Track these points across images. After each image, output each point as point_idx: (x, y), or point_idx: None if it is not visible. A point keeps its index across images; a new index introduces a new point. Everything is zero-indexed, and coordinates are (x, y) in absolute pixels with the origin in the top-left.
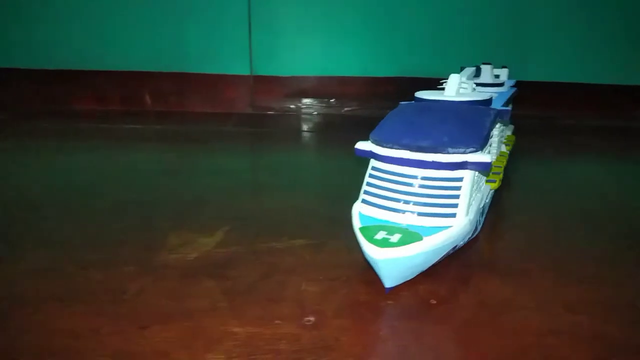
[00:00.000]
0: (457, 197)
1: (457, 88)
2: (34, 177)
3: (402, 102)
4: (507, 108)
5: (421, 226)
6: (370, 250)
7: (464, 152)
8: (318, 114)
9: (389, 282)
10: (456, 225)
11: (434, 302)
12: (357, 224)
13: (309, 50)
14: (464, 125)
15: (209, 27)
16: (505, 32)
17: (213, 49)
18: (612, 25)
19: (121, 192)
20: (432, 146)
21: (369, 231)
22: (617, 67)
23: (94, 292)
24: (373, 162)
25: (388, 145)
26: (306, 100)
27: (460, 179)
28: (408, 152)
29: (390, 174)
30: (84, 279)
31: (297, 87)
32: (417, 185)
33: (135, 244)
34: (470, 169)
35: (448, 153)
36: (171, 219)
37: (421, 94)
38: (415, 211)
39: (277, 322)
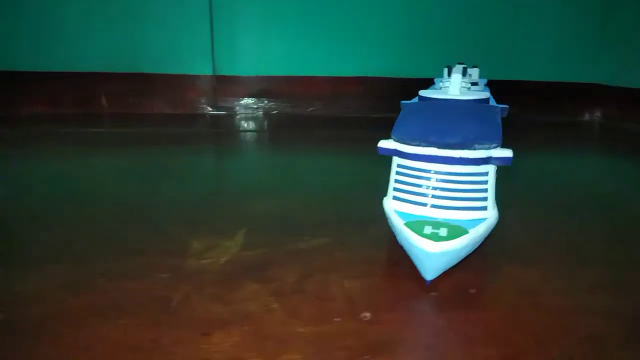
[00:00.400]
0: (485, 190)
1: (460, 87)
2: (10, 187)
3: (403, 101)
4: (505, 105)
5: (458, 220)
6: (425, 244)
7: (488, 148)
8: (283, 114)
9: (431, 274)
10: (489, 217)
11: (473, 291)
12: (398, 220)
13: (274, 50)
14: (482, 122)
15: (168, 25)
16: (467, 32)
17: (173, 48)
18: (567, 27)
19: (115, 198)
20: (459, 143)
21: (416, 226)
22: (567, 66)
23: (137, 302)
24: (398, 160)
25: (415, 143)
26: (271, 100)
27: (486, 174)
28: (436, 149)
29: (422, 171)
30: (119, 291)
31: (262, 87)
32: (449, 181)
33: (156, 251)
34: (494, 164)
35: (475, 149)
36: (182, 224)
37: (426, 93)
38: (451, 206)
39: (336, 319)
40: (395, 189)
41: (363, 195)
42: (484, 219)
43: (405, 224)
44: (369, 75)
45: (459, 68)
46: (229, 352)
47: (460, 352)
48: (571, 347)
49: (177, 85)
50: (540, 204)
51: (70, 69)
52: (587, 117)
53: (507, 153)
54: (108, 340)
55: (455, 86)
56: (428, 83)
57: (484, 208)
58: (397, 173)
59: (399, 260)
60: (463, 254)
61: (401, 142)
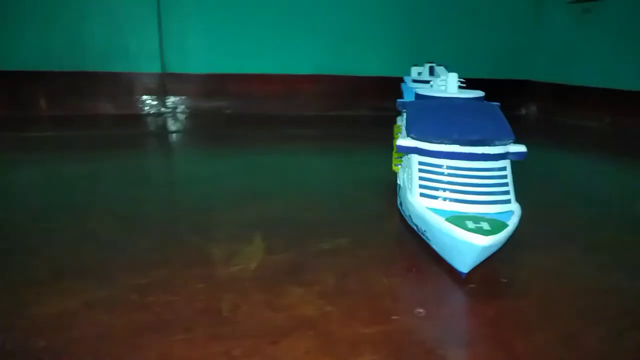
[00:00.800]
0: (507, 184)
1: (457, 85)
2: None
3: (399, 100)
4: (497, 103)
5: (491, 213)
6: (475, 239)
7: (505, 144)
8: (237, 113)
9: (469, 267)
10: (515, 209)
11: (505, 280)
12: (435, 217)
13: (227, 47)
14: (494, 119)
15: (113, 21)
16: (416, 32)
17: (119, 45)
18: (503, 28)
19: (101, 207)
20: (481, 140)
21: (458, 222)
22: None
23: (185, 315)
24: (419, 158)
25: (438, 141)
26: (224, 99)
27: (505, 168)
28: (459, 146)
29: (451, 168)
30: (160, 305)
31: (214, 86)
32: (478, 177)
33: (179, 261)
34: (511, 159)
35: (495, 145)
36: (191, 231)
37: (423, 91)
38: (483, 200)
39: (394, 317)
40: (422, 187)
41: (359, 192)
42: (512, 211)
43: (447, 220)
44: (324, 73)
45: (441, 69)
46: (307, 358)
47: (522, 338)
48: (614, 324)
49: (123, 84)
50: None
51: (4, 68)
52: (523, 111)
53: (522, 148)
54: (174, 357)
55: (452, 85)
56: (381, 81)
57: (509, 201)
58: (421, 171)
59: (425, 255)
60: (500, 246)
61: (422, 140)
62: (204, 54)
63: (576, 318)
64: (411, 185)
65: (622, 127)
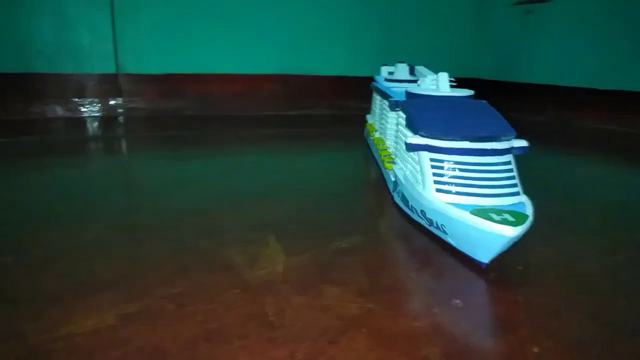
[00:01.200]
0: (514, 177)
1: (448, 84)
2: None
3: (392, 99)
4: (484, 101)
5: (508, 205)
6: (504, 230)
7: (510, 139)
8: (196, 114)
9: (490, 257)
10: (525, 200)
11: (521, 268)
12: (458, 211)
13: (185, 46)
14: (492, 116)
15: (62, 20)
16: (372, 32)
17: (70, 44)
18: (453, 28)
19: (97, 216)
20: (489, 136)
21: (482, 214)
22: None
23: (231, 322)
24: (430, 155)
25: (449, 138)
26: (183, 99)
27: (510, 162)
28: (468, 142)
29: (463, 164)
30: (201, 314)
31: (173, 86)
32: (489, 171)
33: (203, 268)
34: (514, 153)
35: (501, 141)
36: (198, 236)
37: (415, 90)
38: (497, 193)
39: (435, 309)
40: (438, 182)
41: (346, 190)
42: (522, 203)
43: (472, 212)
44: (284, 72)
45: (421, 68)
46: (372, 355)
47: (554, 319)
48: (633, 298)
49: (75, 86)
50: None
51: None
52: None
53: (524, 143)
54: None
55: (444, 84)
56: (339, 80)
57: (518, 193)
58: (434, 167)
59: (436, 248)
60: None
61: (433, 138)
62: (160, 53)
63: (597, 296)
64: (423, 182)
65: (564, 121)
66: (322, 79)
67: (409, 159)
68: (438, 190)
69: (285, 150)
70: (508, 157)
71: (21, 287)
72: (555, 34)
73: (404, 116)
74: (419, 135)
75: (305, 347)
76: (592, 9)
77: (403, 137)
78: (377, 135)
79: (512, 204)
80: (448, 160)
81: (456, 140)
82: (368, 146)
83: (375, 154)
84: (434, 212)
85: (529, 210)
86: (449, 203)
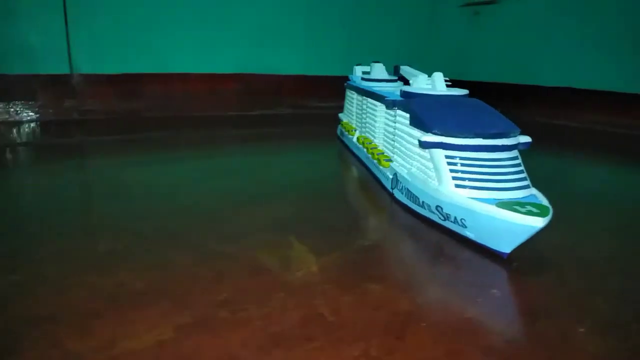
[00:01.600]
0: (523, 171)
1: (444, 84)
2: None
3: (388, 98)
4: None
5: (521, 197)
6: (533, 221)
7: (516, 135)
8: (156, 116)
9: (512, 248)
10: (535, 192)
11: (537, 256)
12: (486, 205)
13: (143, 45)
14: (494, 114)
15: (10, 18)
16: (332, 33)
17: (19, 43)
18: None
19: (105, 223)
20: (500, 133)
21: (508, 207)
22: None
23: (293, 325)
24: (445, 152)
25: (463, 135)
26: (142, 100)
27: (518, 157)
28: (482, 139)
29: (479, 160)
30: (257, 319)
31: (130, 86)
32: (502, 166)
33: (235, 273)
34: (520, 148)
35: (510, 137)
36: (216, 241)
37: (412, 89)
38: (513, 187)
39: (478, 300)
40: (456, 178)
41: (337, 188)
42: (533, 195)
43: (498, 205)
44: (246, 72)
45: (406, 68)
46: (440, 349)
47: (586, 300)
48: None
49: (24, 87)
50: None
51: None
52: None
53: (528, 139)
54: None
55: (440, 83)
56: (301, 79)
57: (529, 186)
58: (451, 164)
59: (450, 241)
60: None
61: (447, 136)
62: (118, 52)
63: (616, 278)
64: (439, 178)
65: (512, 117)
66: (283, 78)
67: (415, 156)
68: (457, 186)
69: (262, 151)
70: (515, 152)
71: (52, 303)
72: (501, 34)
73: (406, 115)
74: (433, 133)
75: (376, 344)
76: (537, 10)
77: (406, 136)
78: (358, 134)
79: (526, 196)
80: (464, 157)
81: (470, 138)
82: (345, 145)
83: (358, 152)
84: (453, 207)
85: (544, 201)
86: (477, 198)
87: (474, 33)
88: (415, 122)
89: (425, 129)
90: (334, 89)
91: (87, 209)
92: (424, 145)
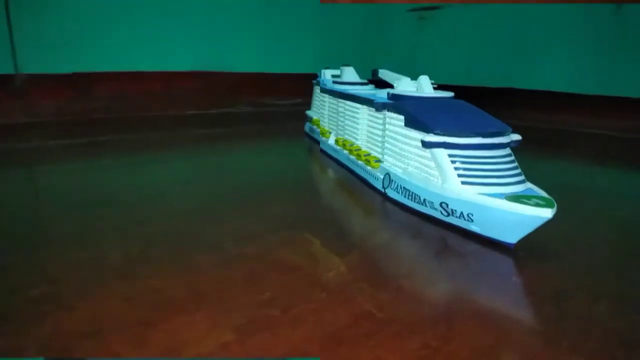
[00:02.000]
0: (518, 167)
1: (431, 87)
2: None
3: (378, 101)
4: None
5: (521, 191)
6: (542, 212)
7: (508, 133)
8: (110, 117)
9: (518, 238)
10: (531, 186)
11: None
12: (495, 199)
13: (94, 42)
14: (484, 114)
15: None
16: (291, 31)
17: None
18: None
19: (99, 233)
20: (497, 131)
21: (516, 200)
22: None
23: (344, 325)
24: (448, 151)
25: (465, 135)
26: (93, 101)
27: (512, 154)
28: (481, 138)
29: (481, 158)
30: (311, 316)
31: (81, 86)
32: (502, 162)
33: (270, 274)
34: (512, 146)
35: (505, 135)
36: (237, 242)
37: (400, 92)
38: (513, 182)
39: (503, 288)
40: (462, 176)
41: (331, 188)
42: (530, 188)
43: (507, 198)
44: (203, 69)
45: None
46: (491, 335)
47: (598, 282)
48: None
49: None
50: None
51: None
52: None
53: (518, 137)
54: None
55: (426, 86)
56: (258, 77)
57: (525, 180)
58: (455, 162)
59: (457, 235)
60: None
61: (450, 135)
62: (66, 50)
63: (621, 260)
64: (443, 176)
65: None
66: (240, 76)
67: (412, 155)
68: (464, 183)
69: (233, 150)
70: (509, 150)
71: (92, 315)
72: (445, 38)
73: (399, 117)
74: (435, 133)
75: (432, 336)
76: (478, 14)
77: (400, 137)
78: (334, 136)
79: (524, 190)
80: (468, 155)
81: (470, 137)
82: (317, 142)
83: (336, 155)
84: (460, 203)
85: (543, 193)
86: (485, 193)
87: (420, 37)
88: (413, 124)
89: (427, 129)
90: (293, 86)
91: (78, 216)
92: (427, 145)
